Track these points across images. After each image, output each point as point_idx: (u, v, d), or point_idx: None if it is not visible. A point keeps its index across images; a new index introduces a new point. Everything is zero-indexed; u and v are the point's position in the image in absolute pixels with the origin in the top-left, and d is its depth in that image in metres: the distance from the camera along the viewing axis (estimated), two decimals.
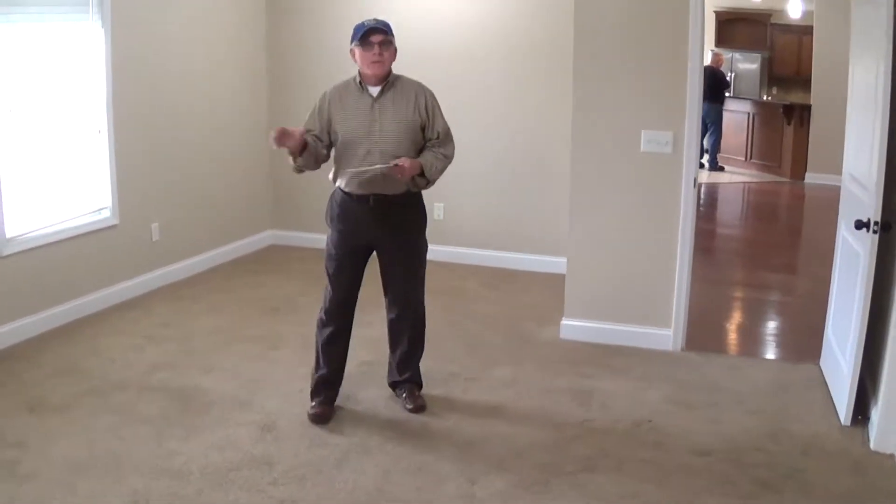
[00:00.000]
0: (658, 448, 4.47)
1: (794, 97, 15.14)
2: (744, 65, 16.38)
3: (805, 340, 5.98)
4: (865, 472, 4.22)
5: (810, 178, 13.80)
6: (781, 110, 14.27)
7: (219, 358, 5.66)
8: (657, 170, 5.65)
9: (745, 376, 5.46)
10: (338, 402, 4.89)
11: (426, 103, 4.64)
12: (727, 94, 15.09)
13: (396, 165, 4.40)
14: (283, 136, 4.31)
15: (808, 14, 13.84)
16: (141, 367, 5.48)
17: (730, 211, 12.40)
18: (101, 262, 6.59)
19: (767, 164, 14.60)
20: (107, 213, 6.64)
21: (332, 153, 4.67)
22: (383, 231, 4.66)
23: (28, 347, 5.78)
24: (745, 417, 4.84)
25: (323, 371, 4.81)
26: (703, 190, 12.54)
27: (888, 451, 4.36)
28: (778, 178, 14.22)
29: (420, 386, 5.01)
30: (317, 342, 4.85)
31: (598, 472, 4.21)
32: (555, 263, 7.48)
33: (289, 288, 7.15)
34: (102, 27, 6.38)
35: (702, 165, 13.29)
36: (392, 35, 4.53)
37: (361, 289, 4.83)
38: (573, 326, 6.04)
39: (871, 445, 4.44)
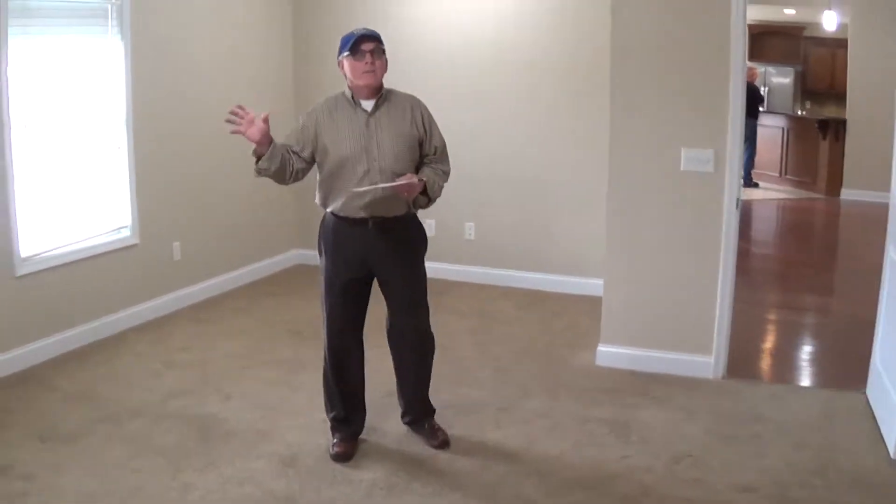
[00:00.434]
0: (699, 485, 4.22)
1: (828, 111, 14.93)
2: (777, 79, 16.13)
3: (849, 367, 5.72)
4: None
5: (846, 194, 13.52)
6: (816, 125, 13.96)
7: (238, 384, 5.45)
8: (698, 189, 5.42)
9: (789, 406, 5.21)
10: (362, 434, 4.66)
11: (423, 117, 4.37)
12: (761, 109, 14.80)
13: (405, 184, 4.12)
14: (241, 117, 4.23)
15: (842, 27, 13.57)
16: (158, 393, 5.29)
17: (765, 229, 12.12)
18: (120, 283, 6.42)
19: (802, 180, 14.31)
20: (127, 232, 6.49)
21: (320, 175, 4.36)
22: (385, 256, 4.34)
23: (42, 371, 5.60)
24: (789, 450, 4.58)
25: (338, 412, 4.55)
26: None
27: None
28: (813, 195, 13.94)
29: (434, 413, 4.72)
30: (325, 382, 4.58)
31: None
32: (588, 285, 7.31)
33: (312, 310, 6.81)
34: (122, 41, 6.23)
35: None
36: (383, 44, 4.26)
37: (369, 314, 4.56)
38: (610, 353, 5.81)
39: None
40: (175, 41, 6.77)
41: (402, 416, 4.74)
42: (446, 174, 4.45)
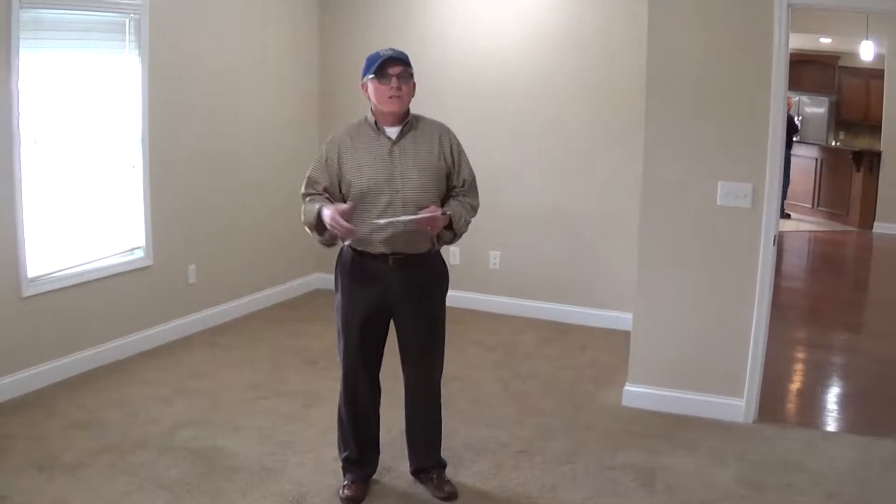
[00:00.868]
0: None
1: (862, 143, 14.72)
2: (811, 108, 15.87)
3: (886, 412, 5.53)
4: None
5: (879, 227, 13.32)
6: (851, 156, 13.74)
7: (249, 416, 5.24)
8: (734, 225, 5.19)
9: (822, 453, 4.95)
10: (375, 475, 4.43)
11: (451, 146, 4.10)
12: (795, 139, 14.55)
13: (429, 217, 3.86)
14: (345, 221, 3.82)
15: (878, 57, 13.35)
16: (165, 422, 5.09)
17: (795, 262, 11.84)
18: (132, 306, 6.24)
19: (835, 212, 14.07)
20: (140, 254, 6.32)
21: None
22: (403, 297, 4.07)
23: (46, 396, 5.42)
24: (823, 501, 4.35)
25: (351, 453, 4.31)
26: None
27: None
28: (845, 227, 13.71)
29: (445, 466, 4.44)
30: (339, 422, 4.34)
31: None
32: (614, 318, 7.14)
33: (329, 338, 6.55)
34: (139, 56, 6.08)
35: None
36: (411, 67, 3.99)
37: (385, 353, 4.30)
38: (637, 393, 5.57)
39: None
40: (195, 57, 6.61)
41: (410, 465, 4.46)
42: (474, 209, 4.19)
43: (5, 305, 5.32)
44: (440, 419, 4.39)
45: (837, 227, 13.80)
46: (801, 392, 6.23)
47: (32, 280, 5.46)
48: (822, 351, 7.23)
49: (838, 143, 15.44)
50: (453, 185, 4.12)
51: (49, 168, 5.60)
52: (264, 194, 7.51)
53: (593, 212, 7.28)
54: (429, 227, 3.90)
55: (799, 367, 6.80)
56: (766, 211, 5.11)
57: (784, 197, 14.13)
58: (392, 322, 4.19)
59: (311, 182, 4.10)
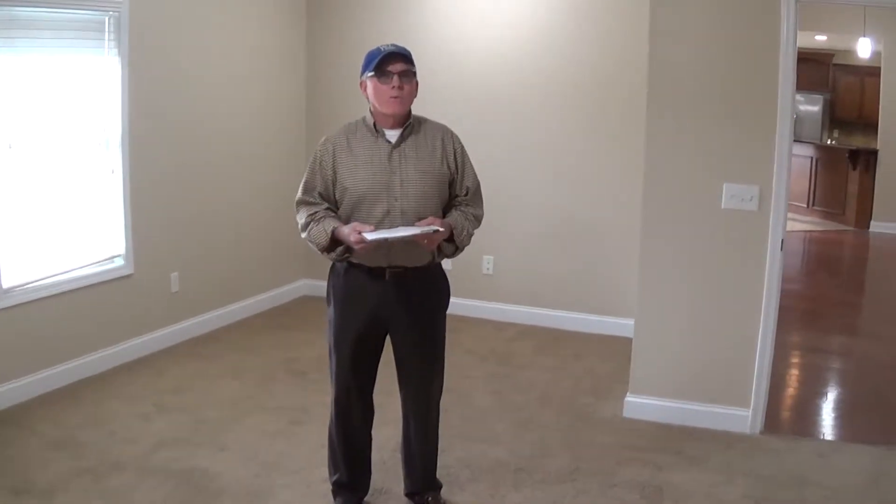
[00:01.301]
0: None
1: (856, 141, 14.63)
2: (805, 107, 15.69)
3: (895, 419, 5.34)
4: None
5: (875, 226, 13.24)
6: (847, 155, 13.60)
7: (234, 434, 5.00)
8: (740, 229, 5.00)
9: (834, 465, 4.76)
10: (367, 497, 4.19)
11: (455, 152, 3.80)
12: None
13: (424, 232, 3.52)
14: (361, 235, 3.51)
15: (873, 55, 13.21)
16: (145, 441, 4.84)
17: (792, 263, 11.62)
18: (113, 317, 6.01)
19: (830, 211, 13.94)
20: (120, 262, 6.08)
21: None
22: (401, 311, 3.77)
23: (23, 413, 5.17)
24: None
25: (341, 476, 4.06)
26: None
27: None
28: (841, 227, 13.60)
29: (440, 488, 4.20)
30: (330, 442, 4.06)
31: None
32: (610, 324, 6.99)
33: (319, 347, 6.39)
34: (118, 56, 5.84)
35: None
36: (414, 65, 3.68)
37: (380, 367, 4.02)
38: (639, 404, 5.36)
39: None
40: (177, 58, 6.38)
41: (404, 487, 4.20)
42: (478, 219, 3.90)
43: None
44: (437, 440, 4.15)
45: (833, 226, 13.67)
46: (806, 400, 6.03)
47: (7, 291, 5.24)
48: (824, 356, 7.05)
49: (833, 142, 15.31)
50: (456, 194, 3.85)
51: (24, 173, 5.37)
52: (249, 198, 7.29)
53: (589, 215, 7.09)
54: (426, 242, 3.60)
55: (802, 373, 6.60)
56: (773, 214, 4.92)
57: None
58: (388, 338, 3.91)
59: (308, 188, 3.80)
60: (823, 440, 5.19)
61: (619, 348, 6.45)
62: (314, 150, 3.81)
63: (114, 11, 5.73)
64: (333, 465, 4.07)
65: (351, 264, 3.75)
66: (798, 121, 15.37)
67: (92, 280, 5.82)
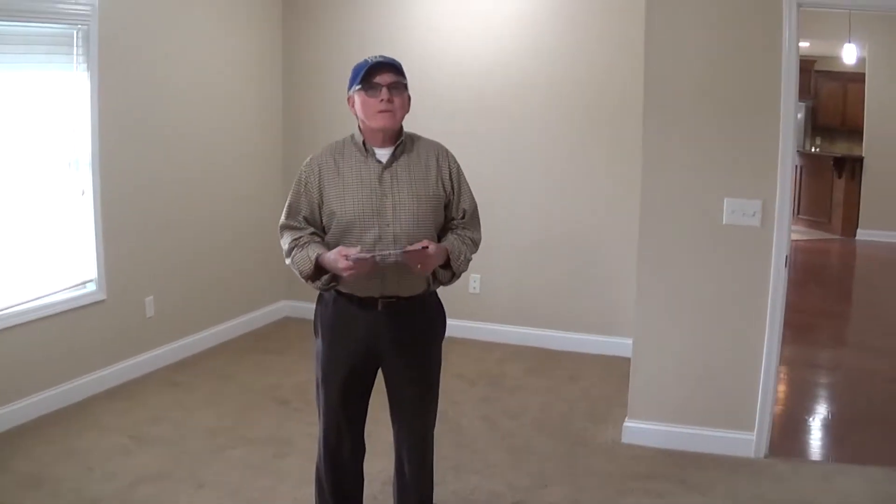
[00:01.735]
0: None
1: (839, 148, 14.61)
2: None
3: None
4: None
5: (862, 234, 13.21)
6: (832, 163, 13.52)
7: (215, 468, 4.74)
8: (742, 245, 4.80)
9: (841, 490, 4.58)
10: None
11: (451, 172, 3.54)
12: None
13: (419, 251, 3.24)
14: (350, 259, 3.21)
15: (857, 61, 13.12)
16: (123, 477, 4.58)
17: None
18: (85, 344, 5.75)
19: (816, 219, 13.88)
20: (92, 287, 5.82)
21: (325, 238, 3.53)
22: (394, 344, 3.50)
23: None
24: None
25: None
26: None
27: None
28: (827, 235, 13.53)
29: None
30: (318, 482, 3.77)
31: None
32: (605, 344, 6.79)
33: (302, 372, 6.19)
34: (88, 71, 5.59)
35: None
36: (404, 77, 3.43)
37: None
38: (638, 429, 5.14)
39: None
40: (149, 73, 6.13)
41: None
42: (475, 243, 3.63)
43: None
44: (432, 475, 3.87)
45: (820, 235, 13.60)
46: (808, 420, 5.82)
47: None
48: (823, 372, 6.88)
49: (816, 149, 15.22)
50: (452, 217, 3.58)
51: None
52: (227, 218, 7.05)
53: (581, 231, 6.90)
54: (420, 267, 3.32)
55: (802, 390, 6.40)
56: (777, 229, 4.73)
57: None
58: (380, 370, 3.65)
59: (292, 211, 3.52)
60: (828, 463, 5.01)
61: (613, 369, 6.26)
62: (298, 171, 3.54)
63: (82, 24, 5.49)
64: (321, 503, 3.80)
65: (339, 293, 3.49)
66: None
67: (63, 307, 5.57)
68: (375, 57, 3.39)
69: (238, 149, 7.16)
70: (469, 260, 3.55)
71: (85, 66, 5.57)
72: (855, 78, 13.77)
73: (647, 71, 4.87)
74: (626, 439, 5.17)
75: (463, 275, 3.63)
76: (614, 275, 6.66)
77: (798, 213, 14.16)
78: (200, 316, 6.84)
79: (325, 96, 7.39)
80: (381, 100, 3.32)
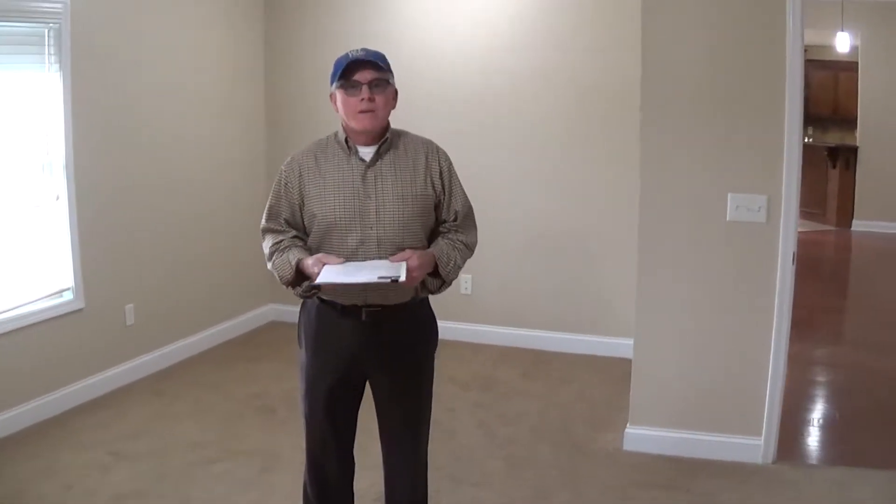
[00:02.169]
0: None
1: (832, 138, 14.45)
2: None
3: None
4: None
5: (858, 225, 13.09)
6: (826, 153, 13.39)
7: (199, 484, 4.54)
8: (747, 242, 4.63)
9: (853, 497, 4.41)
10: None
11: (441, 171, 3.30)
12: None
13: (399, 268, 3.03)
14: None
15: (850, 49, 13.01)
16: (104, 495, 4.38)
17: None
18: (63, 355, 5.55)
19: (811, 210, 13.66)
20: (69, 296, 5.62)
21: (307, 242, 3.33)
22: (381, 355, 3.29)
23: None
24: None
25: None
26: None
27: None
28: (822, 227, 13.38)
29: None
30: (305, 496, 3.54)
31: None
32: (602, 344, 6.63)
33: (288, 380, 5.95)
34: (60, 71, 5.39)
35: None
36: (389, 70, 3.20)
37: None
38: (640, 435, 4.96)
39: None
40: (125, 73, 5.92)
41: None
42: (469, 248, 3.39)
43: None
44: (426, 490, 3.63)
45: (815, 226, 13.42)
46: (815, 422, 5.63)
47: None
48: (827, 370, 6.69)
49: (809, 139, 15.08)
50: (443, 219, 3.35)
51: None
52: (208, 220, 6.85)
53: (577, 228, 6.72)
54: (405, 279, 3.03)
55: (807, 390, 6.21)
56: (783, 225, 4.56)
57: None
58: (368, 384, 3.43)
59: (272, 214, 3.31)
60: (840, 467, 4.82)
61: (610, 370, 6.10)
62: (278, 171, 3.33)
63: (54, 23, 5.28)
64: None
65: (323, 301, 3.27)
66: None
67: (39, 317, 5.37)
68: (356, 51, 3.16)
69: (219, 150, 6.96)
70: (460, 266, 3.33)
71: (57, 66, 5.36)
72: (846, 67, 13.61)
73: (645, 62, 4.69)
74: (627, 446, 4.99)
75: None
76: (607, 274, 6.51)
77: None
78: (183, 323, 6.63)
79: (309, 97, 7.18)
80: (362, 99, 3.11)
